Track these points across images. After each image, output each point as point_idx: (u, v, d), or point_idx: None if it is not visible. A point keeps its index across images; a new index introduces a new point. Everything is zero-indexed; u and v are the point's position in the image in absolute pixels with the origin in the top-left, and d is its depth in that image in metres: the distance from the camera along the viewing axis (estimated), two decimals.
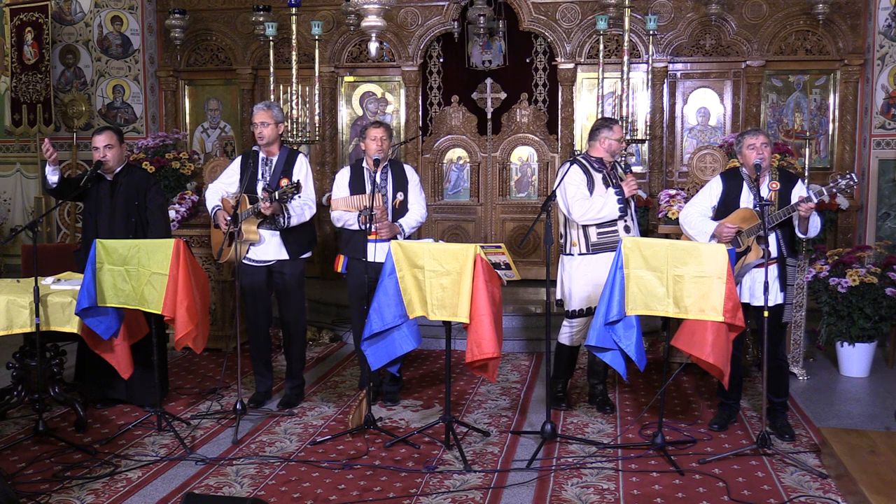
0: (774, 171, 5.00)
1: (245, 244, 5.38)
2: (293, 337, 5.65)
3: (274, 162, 5.47)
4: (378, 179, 5.52)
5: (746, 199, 4.98)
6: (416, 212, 5.60)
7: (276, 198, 5.15)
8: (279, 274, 5.51)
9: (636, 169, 8.71)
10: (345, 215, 5.51)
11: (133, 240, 5.07)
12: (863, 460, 4.20)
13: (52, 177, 5.30)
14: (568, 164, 5.37)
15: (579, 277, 5.32)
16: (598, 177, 5.31)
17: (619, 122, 5.80)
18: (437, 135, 8.81)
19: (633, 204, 5.45)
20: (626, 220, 5.31)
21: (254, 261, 5.48)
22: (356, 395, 5.53)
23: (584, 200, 5.23)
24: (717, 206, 5.08)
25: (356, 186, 5.56)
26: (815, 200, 4.72)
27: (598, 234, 5.28)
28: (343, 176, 5.67)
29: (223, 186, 5.51)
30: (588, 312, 5.30)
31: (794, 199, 4.88)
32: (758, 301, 4.85)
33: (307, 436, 5.05)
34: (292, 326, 5.62)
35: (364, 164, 5.61)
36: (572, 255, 5.34)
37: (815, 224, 4.87)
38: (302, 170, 5.44)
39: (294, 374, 5.70)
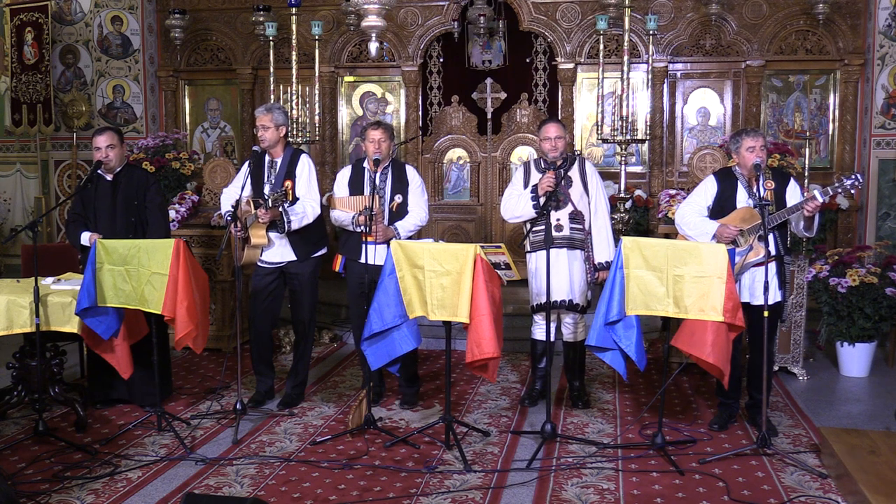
0: (768, 171, 5.02)
1: (257, 248, 5.40)
2: (302, 336, 5.66)
3: (278, 164, 5.46)
4: (377, 180, 5.50)
5: (742, 198, 4.99)
6: (415, 215, 5.50)
7: (269, 205, 5.17)
8: (292, 275, 5.52)
9: (636, 169, 8.73)
10: (341, 216, 5.50)
11: (133, 240, 5.07)
12: (863, 460, 4.20)
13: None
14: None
15: (530, 275, 5.46)
16: (536, 177, 5.42)
17: (555, 121, 5.57)
18: (437, 135, 8.80)
19: (580, 200, 5.39)
20: (558, 220, 5.33)
21: (266, 263, 5.51)
22: (356, 395, 5.53)
23: (506, 200, 5.47)
24: (712, 205, 5.08)
25: (355, 187, 5.55)
26: (821, 200, 4.73)
27: (532, 232, 5.36)
28: (343, 175, 5.66)
29: (235, 191, 5.50)
30: (542, 308, 5.34)
31: (789, 197, 4.92)
32: (758, 300, 4.86)
33: (307, 436, 5.05)
34: (303, 326, 5.64)
35: (364, 165, 5.59)
36: (527, 251, 5.51)
37: (818, 223, 4.92)
38: (304, 171, 5.42)
39: (297, 373, 5.71)
